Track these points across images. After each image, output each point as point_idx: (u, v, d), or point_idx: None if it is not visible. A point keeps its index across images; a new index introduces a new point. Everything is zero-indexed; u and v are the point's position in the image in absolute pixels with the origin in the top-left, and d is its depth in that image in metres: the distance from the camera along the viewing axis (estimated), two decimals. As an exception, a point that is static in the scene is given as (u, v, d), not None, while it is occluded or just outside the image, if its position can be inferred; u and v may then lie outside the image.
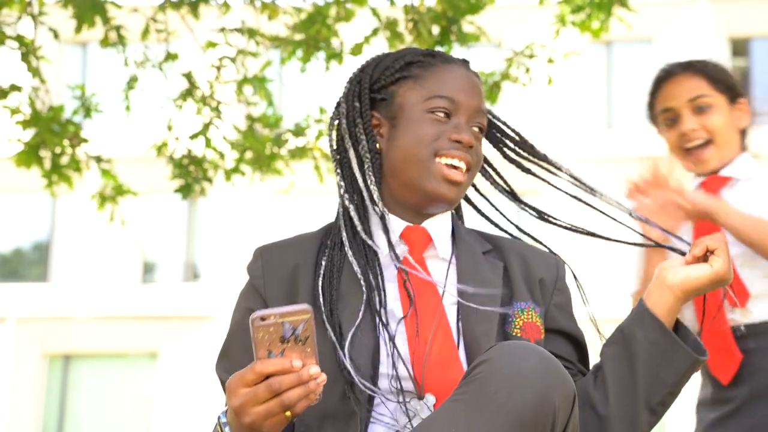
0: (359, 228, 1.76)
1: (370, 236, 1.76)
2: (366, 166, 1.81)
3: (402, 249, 1.79)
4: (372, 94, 1.85)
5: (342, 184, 1.82)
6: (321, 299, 1.70)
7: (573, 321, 1.86)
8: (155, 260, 17.66)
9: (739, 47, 17.88)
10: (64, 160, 4.88)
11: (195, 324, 16.80)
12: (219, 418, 1.52)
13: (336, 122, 1.87)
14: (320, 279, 1.73)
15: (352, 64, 5.05)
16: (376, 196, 1.78)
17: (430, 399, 1.65)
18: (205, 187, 5.23)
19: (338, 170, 1.83)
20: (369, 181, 1.79)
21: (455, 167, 1.77)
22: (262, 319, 1.40)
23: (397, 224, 1.80)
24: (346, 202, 1.79)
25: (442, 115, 1.80)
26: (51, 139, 4.64)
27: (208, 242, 17.28)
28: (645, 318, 1.74)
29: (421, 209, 1.81)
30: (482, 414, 1.42)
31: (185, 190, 5.13)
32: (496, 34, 16.97)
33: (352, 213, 1.78)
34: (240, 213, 16.87)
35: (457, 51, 4.56)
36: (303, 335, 1.41)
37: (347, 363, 1.60)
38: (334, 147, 1.86)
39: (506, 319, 1.76)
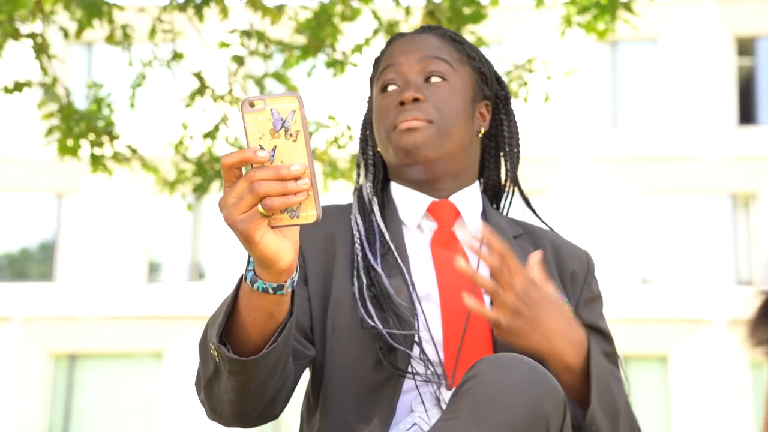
0: (377, 215, 1.77)
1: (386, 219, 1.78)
2: (369, 169, 1.87)
3: (431, 226, 1.79)
4: (371, 103, 1.93)
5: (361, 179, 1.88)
6: (359, 257, 1.70)
7: (601, 316, 1.84)
8: (161, 260, 17.68)
9: (745, 46, 17.85)
10: (101, 152, 4.96)
11: (200, 324, 16.81)
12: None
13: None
14: (358, 237, 1.72)
15: (352, 73, 5.06)
16: (369, 189, 1.82)
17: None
18: (221, 186, 5.27)
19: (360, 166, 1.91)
20: (367, 181, 1.85)
21: (407, 122, 1.76)
22: (251, 105, 1.30)
23: (423, 199, 1.80)
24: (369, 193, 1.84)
25: (392, 88, 1.80)
26: (92, 132, 4.72)
27: (214, 242, 17.29)
28: None
29: (423, 181, 1.80)
30: (477, 430, 1.40)
31: (201, 189, 5.15)
32: (502, 34, 16.96)
33: (373, 200, 1.82)
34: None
35: None
36: (293, 129, 1.30)
37: (374, 322, 1.60)
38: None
39: None
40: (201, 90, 5.08)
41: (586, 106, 17.46)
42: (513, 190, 1.93)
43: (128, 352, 17.01)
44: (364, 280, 1.67)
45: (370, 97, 1.92)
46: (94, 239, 17.27)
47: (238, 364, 1.45)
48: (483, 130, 1.87)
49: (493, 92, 1.90)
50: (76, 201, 17.34)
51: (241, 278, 1.47)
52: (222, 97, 5.07)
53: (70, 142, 4.82)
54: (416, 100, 1.77)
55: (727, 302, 16.55)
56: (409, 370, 1.64)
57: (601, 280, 16.40)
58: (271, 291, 1.41)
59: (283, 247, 1.37)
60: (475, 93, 1.85)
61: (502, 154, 1.92)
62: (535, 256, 1.60)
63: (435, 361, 1.65)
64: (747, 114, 17.69)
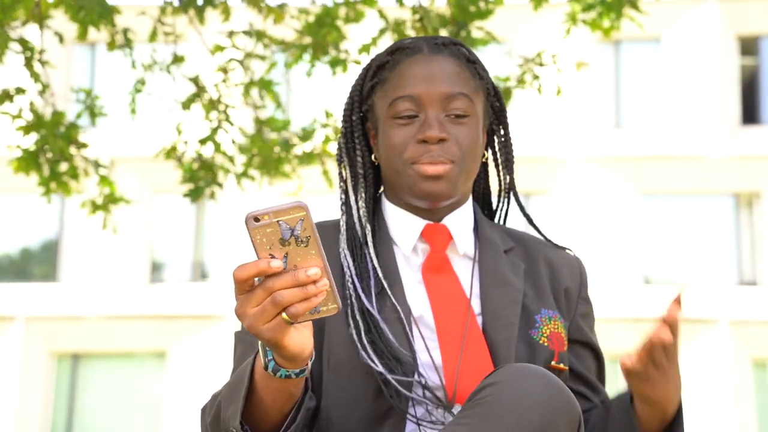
0: (369, 238, 1.74)
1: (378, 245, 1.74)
2: (359, 183, 1.79)
3: (423, 249, 1.76)
4: (363, 105, 1.83)
5: (343, 197, 1.81)
6: (353, 297, 1.67)
7: (594, 333, 1.82)
8: (164, 260, 17.68)
9: (748, 46, 17.83)
10: (63, 167, 4.83)
11: (203, 323, 16.81)
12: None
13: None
14: (349, 275, 1.69)
15: (356, 71, 5.04)
16: (363, 212, 1.76)
17: (458, 410, 1.62)
18: (215, 192, 5.22)
19: (341, 183, 1.82)
20: (359, 200, 1.78)
21: (432, 164, 1.71)
22: (256, 219, 1.31)
23: (417, 223, 1.76)
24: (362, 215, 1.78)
25: (407, 117, 1.73)
26: (54, 144, 4.62)
27: (217, 242, 17.29)
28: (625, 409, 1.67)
29: (430, 209, 1.77)
30: None
31: (194, 194, 5.11)
32: (506, 33, 16.94)
33: (365, 222, 1.77)
34: (248, 212, 16.87)
35: None
36: (303, 236, 1.31)
37: (374, 364, 1.59)
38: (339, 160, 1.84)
39: (533, 324, 1.72)
40: (198, 94, 5.06)
41: (588, 105, 17.45)
42: (508, 200, 1.89)
43: (131, 352, 17.01)
44: (361, 325, 1.64)
45: (366, 99, 1.82)
46: (97, 239, 17.28)
47: None
48: (486, 156, 1.85)
49: (492, 107, 1.86)
50: (79, 201, 17.34)
51: (254, 361, 1.47)
52: (215, 103, 5.04)
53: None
54: (441, 140, 1.72)
55: (730, 302, 16.54)
56: (412, 403, 1.63)
57: (603, 281, 16.39)
58: (293, 376, 1.43)
59: (306, 340, 1.38)
60: (485, 119, 1.82)
61: (495, 164, 1.88)
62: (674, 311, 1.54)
63: (436, 385, 1.64)
64: (750, 114, 17.67)
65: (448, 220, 1.77)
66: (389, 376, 1.58)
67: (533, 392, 1.41)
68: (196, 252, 17.49)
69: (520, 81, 4.84)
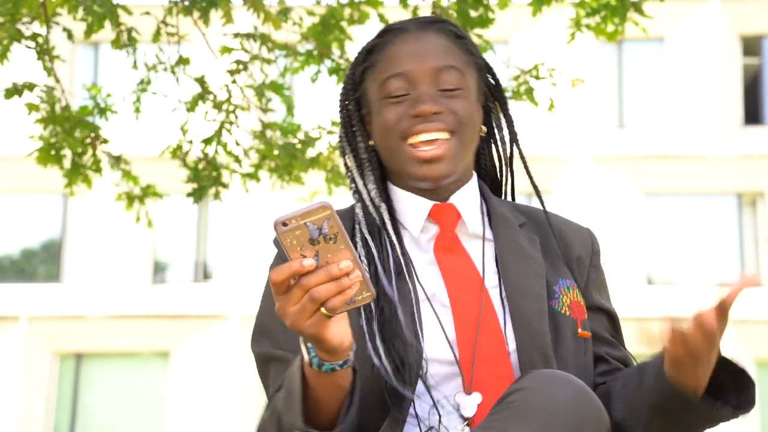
0: (388, 225, 1.73)
1: (394, 225, 1.73)
2: (365, 168, 1.79)
3: (432, 229, 1.75)
4: (357, 92, 1.82)
5: (352, 186, 1.80)
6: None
7: (608, 297, 1.82)
8: (167, 260, 17.69)
9: (751, 46, 17.82)
10: (84, 159, 4.85)
11: (206, 323, 16.82)
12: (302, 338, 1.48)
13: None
14: (369, 260, 1.69)
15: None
16: (374, 194, 1.76)
17: (476, 398, 1.61)
18: (219, 192, 5.20)
19: (348, 172, 1.82)
20: (368, 183, 1.77)
21: (428, 142, 1.70)
22: (284, 224, 1.36)
23: (424, 204, 1.75)
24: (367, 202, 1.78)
25: (399, 95, 1.72)
26: (71, 141, 4.62)
27: (220, 242, 17.29)
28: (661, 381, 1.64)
29: (433, 189, 1.75)
30: None
31: (198, 195, 5.11)
32: (508, 34, 16.93)
33: (372, 208, 1.76)
34: (251, 212, 16.89)
35: None
36: (331, 233, 1.36)
37: (380, 363, 1.58)
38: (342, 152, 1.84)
39: (552, 295, 1.71)
40: (203, 95, 5.05)
41: (592, 105, 17.44)
42: (512, 174, 1.88)
43: (134, 352, 17.02)
44: (374, 312, 1.64)
45: (358, 85, 1.82)
46: (100, 239, 17.29)
47: None
48: (484, 130, 1.83)
49: (487, 85, 1.85)
50: (82, 201, 17.35)
51: (302, 362, 1.49)
52: (222, 104, 5.03)
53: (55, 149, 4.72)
54: (435, 113, 1.71)
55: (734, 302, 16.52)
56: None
57: (606, 280, 16.38)
58: (338, 368, 1.46)
59: (345, 331, 1.43)
60: (479, 93, 1.81)
61: (494, 141, 1.87)
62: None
63: (450, 360, 1.63)
64: (753, 113, 17.66)
65: (455, 199, 1.76)
66: (393, 381, 1.58)
67: (562, 399, 1.41)
68: (199, 252, 17.50)
69: (516, 93, 4.83)
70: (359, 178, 1.78)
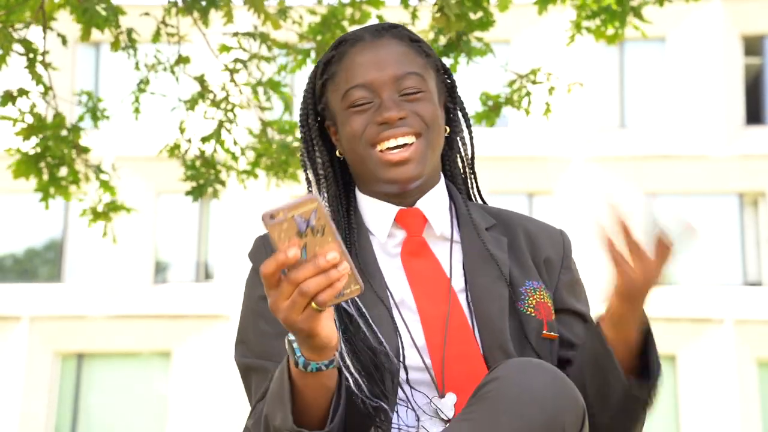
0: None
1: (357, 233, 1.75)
2: (321, 184, 1.80)
3: (399, 235, 1.77)
4: (319, 105, 1.83)
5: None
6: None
7: (581, 299, 1.83)
8: (168, 260, 17.70)
9: (752, 46, 17.81)
10: (63, 171, 4.82)
11: (208, 323, 16.83)
12: (287, 337, 1.49)
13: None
14: None
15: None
16: (333, 204, 1.77)
17: (451, 398, 1.63)
18: (218, 189, 5.21)
19: (308, 186, 1.83)
20: (323, 199, 1.78)
21: (396, 147, 1.72)
22: (272, 217, 1.37)
23: (390, 209, 1.77)
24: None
25: (363, 104, 1.74)
26: (55, 147, 4.59)
27: (221, 242, 17.30)
28: (593, 328, 1.68)
29: (400, 194, 1.77)
30: None
31: (196, 192, 5.11)
32: (508, 35, 16.93)
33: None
34: (252, 212, 16.90)
35: (463, 63, 4.55)
36: (318, 225, 1.38)
37: (353, 378, 1.59)
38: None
39: (519, 297, 1.73)
40: (203, 94, 5.05)
41: (593, 105, 17.44)
42: (474, 175, 1.90)
43: (136, 352, 17.03)
44: (338, 325, 1.64)
45: (320, 96, 1.82)
46: (102, 239, 17.28)
47: None
48: (448, 130, 1.84)
49: (442, 82, 1.86)
50: (84, 201, 17.35)
51: (287, 365, 1.50)
52: (221, 102, 5.02)
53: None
54: (401, 119, 1.72)
55: (735, 302, 16.52)
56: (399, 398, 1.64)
57: (607, 280, 16.36)
58: (324, 368, 1.47)
59: (333, 329, 1.43)
60: (440, 94, 1.82)
61: (458, 139, 1.88)
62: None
63: (420, 367, 1.64)
64: (754, 113, 17.65)
65: (421, 204, 1.78)
66: (366, 395, 1.59)
67: (537, 387, 1.42)
68: (200, 252, 17.51)
69: (509, 99, 4.82)
70: (316, 191, 1.80)
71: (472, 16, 4.31)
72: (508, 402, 1.41)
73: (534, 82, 4.81)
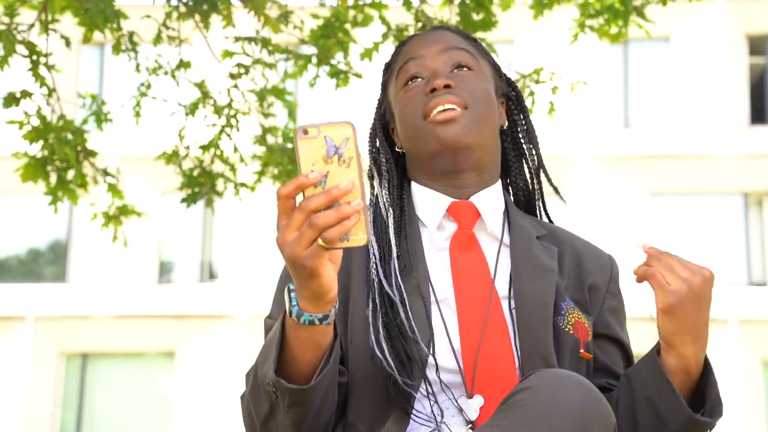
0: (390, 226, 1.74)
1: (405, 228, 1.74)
2: (383, 176, 1.81)
3: (450, 227, 1.76)
4: (381, 108, 1.88)
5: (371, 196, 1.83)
6: (375, 282, 1.66)
7: (623, 328, 1.80)
8: (172, 260, 17.70)
9: (757, 45, 17.78)
10: (70, 174, 4.81)
11: (212, 323, 16.84)
12: (288, 287, 1.47)
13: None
14: (373, 270, 1.68)
15: (357, 84, 5.00)
16: (386, 199, 1.78)
17: (478, 400, 1.61)
18: (213, 199, 5.19)
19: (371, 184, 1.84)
20: (383, 188, 1.79)
21: (443, 111, 1.73)
22: (305, 132, 1.35)
23: (443, 200, 1.76)
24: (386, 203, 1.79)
25: (416, 82, 1.78)
26: (60, 150, 4.57)
27: (225, 242, 17.31)
28: (650, 359, 1.65)
29: (451, 173, 1.76)
30: None
31: (190, 200, 5.10)
32: (511, 34, 16.92)
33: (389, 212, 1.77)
34: (257, 212, 16.90)
35: None
36: (347, 155, 1.35)
37: (383, 356, 1.58)
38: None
39: (559, 311, 1.70)
40: (202, 100, 5.04)
41: (597, 105, 17.42)
42: (541, 191, 1.90)
43: (140, 352, 17.05)
44: (379, 308, 1.63)
45: (383, 101, 1.88)
46: (106, 239, 17.30)
47: (297, 394, 1.48)
48: (505, 124, 1.86)
49: (505, 90, 1.88)
50: (88, 202, 17.37)
51: (284, 314, 1.49)
52: (223, 109, 5.01)
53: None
54: (447, 86, 1.74)
55: (740, 302, 16.50)
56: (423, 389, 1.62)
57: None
58: (317, 322, 1.45)
59: (333, 279, 1.42)
60: (496, 85, 1.84)
61: (522, 154, 1.89)
62: None
63: (453, 368, 1.62)
64: (759, 113, 17.63)
65: (476, 198, 1.77)
66: (396, 375, 1.58)
67: (569, 401, 1.39)
68: (204, 252, 17.51)
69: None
70: (377, 185, 1.81)
71: (475, 17, 4.31)
72: (539, 414, 1.39)
73: (537, 82, 4.80)
